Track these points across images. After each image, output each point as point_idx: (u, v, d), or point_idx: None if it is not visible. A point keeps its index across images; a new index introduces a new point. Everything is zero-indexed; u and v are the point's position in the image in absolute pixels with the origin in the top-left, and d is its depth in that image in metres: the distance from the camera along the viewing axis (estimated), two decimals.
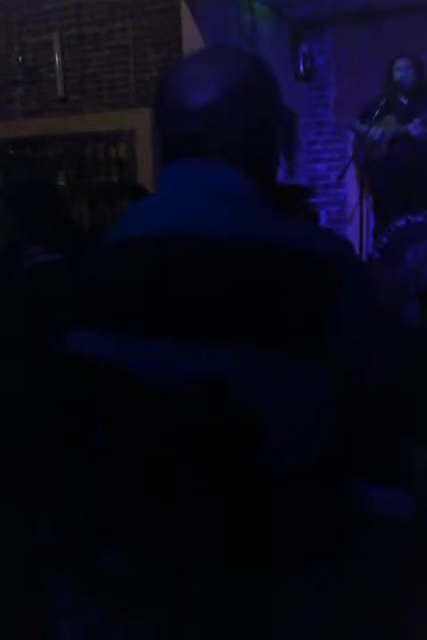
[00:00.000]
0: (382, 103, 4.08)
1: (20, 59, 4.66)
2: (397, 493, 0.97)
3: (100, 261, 0.97)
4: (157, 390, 0.84)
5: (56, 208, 1.91)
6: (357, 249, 3.85)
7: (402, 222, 3.38)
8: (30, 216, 1.83)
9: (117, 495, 0.88)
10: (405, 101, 4.27)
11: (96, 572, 0.90)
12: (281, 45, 4.70)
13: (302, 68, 4.95)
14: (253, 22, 4.21)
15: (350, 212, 4.96)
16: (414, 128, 4.08)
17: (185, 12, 4.00)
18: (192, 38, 3.94)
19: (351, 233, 4.56)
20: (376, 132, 4.21)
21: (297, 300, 0.84)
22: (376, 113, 4.06)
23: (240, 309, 0.84)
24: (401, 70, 4.20)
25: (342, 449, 0.89)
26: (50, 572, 0.96)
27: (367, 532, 0.94)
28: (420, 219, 3.43)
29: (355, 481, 0.93)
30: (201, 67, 0.95)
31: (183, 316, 0.86)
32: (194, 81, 0.93)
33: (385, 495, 0.96)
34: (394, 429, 0.96)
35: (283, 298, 0.84)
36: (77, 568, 0.92)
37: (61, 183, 4.65)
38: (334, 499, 0.90)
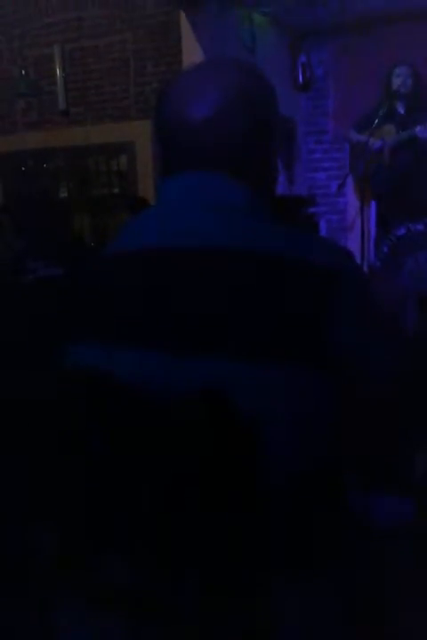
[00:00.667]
0: (381, 112, 4.09)
1: (22, 72, 4.69)
2: (397, 500, 0.97)
3: (100, 274, 0.98)
4: (156, 402, 0.84)
5: (59, 222, 1.92)
6: (357, 258, 3.86)
7: (402, 231, 3.40)
8: (34, 229, 1.84)
9: (118, 505, 0.89)
10: (402, 110, 4.28)
11: (97, 582, 0.90)
12: (280, 55, 4.73)
13: (301, 77, 4.98)
14: (253, 33, 4.24)
15: (350, 220, 4.96)
16: (421, 131, 4.08)
17: (185, 24, 4.03)
18: (192, 50, 3.97)
19: (352, 242, 4.56)
20: (377, 141, 4.22)
21: (296, 310, 0.84)
22: (376, 121, 4.07)
23: (239, 320, 0.84)
24: (400, 78, 4.22)
25: (342, 457, 0.89)
26: (50, 582, 0.96)
27: (368, 538, 0.94)
28: (420, 227, 3.44)
29: (355, 488, 0.93)
30: (200, 79, 0.96)
31: (183, 327, 0.86)
32: (194, 94, 0.93)
33: (385, 501, 0.96)
34: (394, 436, 0.96)
35: (282, 308, 0.84)
36: (78, 578, 0.92)
37: (63, 195, 4.67)
38: (335, 506, 0.90)
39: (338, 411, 0.87)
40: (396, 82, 4.22)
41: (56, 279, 1.61)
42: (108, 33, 4.45)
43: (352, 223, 4.81)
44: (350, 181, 4.61)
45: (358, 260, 3.81)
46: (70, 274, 1.14)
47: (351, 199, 4.88)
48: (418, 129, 4.09)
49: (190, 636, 0.86)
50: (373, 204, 4.46)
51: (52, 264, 1.67)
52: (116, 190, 4.65)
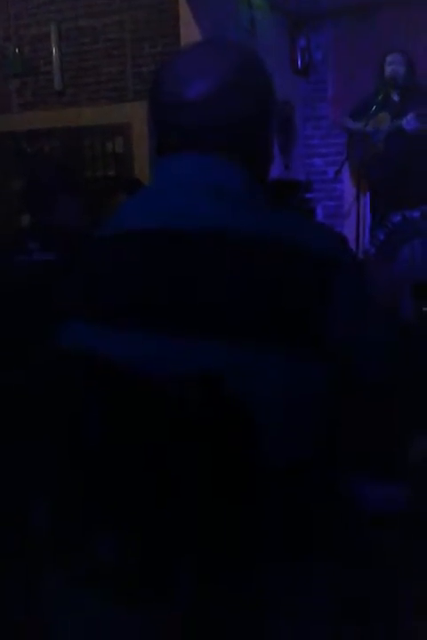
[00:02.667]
0: (378, 99, 4.07)
1: (16, 51, 4.64)
2: (391, 488, 0.98)
3: (96, 254, 0.97)
4: (154, 384, 0.84)
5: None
6: (353, 244, 3.85)
7: (398, 218, 3.39)
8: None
9: (114, 487, 0.89)
10: (396, 97, 4.26)
11: (92, 564, 0.90)
12: (279, 39, 4.69)
13: (299, 62, 4.94)
14: (252, 16, 4.20)
15: (346, 207, 4.96)
16: (407, 123, 4.07)
17: (183, 5, 3.99)
18: (190, 32, 3.93)
19: (348, 228, 4.56)
20: (373, 128, 4.20)
21: (293, 294, 0.84)
22: (373, 108, 4.05)
23: (236, 304, 0.84)
24: (391, 66, 4.19)
25: (337, 444, 0.90)
26: (46, 565, 0.96)
27: (363, 526, 0.94)
28: (416, 214, 3.43)
29: (350, 476, 0.93)
30: (197, 60, 0.95)
31: (180, 310, 0.86)
32: (190, 74, 0.92)
33: (380, 490, 0.96)
34: (389, 424, 0.96)
35: (279, 292, 0.84)
36: (74, 560, 0.92)
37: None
38: (330, 493, 0.91)
39: (334, 397, 0.87)
40: (388, 69, 4.19)
41: (52, 260, 1.60)
42: (106, 13, 4.40)
43: (349, 210, 4.80)
44: (346, 168, 4.60)
45: (354, 247, 3.81)
46: (67, 256, 1.13)
47: (348, 186, 4.87)
48: (404, 121, 4.08)
49: (185, 620, 0.87)
50: (369, 191, 4.45)
51: (48, 248, 1.66)
52: (111, 172, 4.63)
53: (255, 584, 0.86)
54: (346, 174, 4.76)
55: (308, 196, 4.15)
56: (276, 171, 4.43)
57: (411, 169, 4.07)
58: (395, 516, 0.97)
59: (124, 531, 0.89)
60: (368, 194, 4.46)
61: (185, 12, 3.99)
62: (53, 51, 4.55)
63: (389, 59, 4.20)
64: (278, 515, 0.85)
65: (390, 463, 0.98)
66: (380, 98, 4.06)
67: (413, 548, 1.01)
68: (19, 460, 1.06)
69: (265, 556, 0.86)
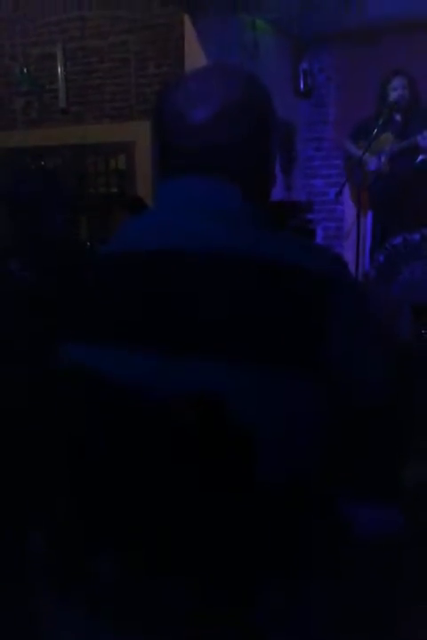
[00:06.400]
0: (380, 121, 4.10)
1: (23, 70, 4.69)
2: (387, 511, 0.98)
3: (97, 274, 0.98)
4: (152, 404, 0.84)
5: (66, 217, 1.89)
6: (353, 266, 3.86)
7: (398, 240, 3.41)
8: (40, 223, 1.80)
9: (114, 507, 0.89)
10: (399, 118, 4.30)
11: (92, 587, 0.90)
12: (282, 62, 4.74)
13: (302, 84, 4.99)
14: (255, 38, 4.25)
15: (347, 228, 4.98)
16: (423, 139, 4.10)
17: (188, 27, 4.04)
18: (194, 53, 3.98)
19: (348, 250, 4.58)
20: (375, 150, 4.24)
21: (292, 316, 0.85)
22: (375, 131, 4.09)
23: (235, 325, 0.85)
24: (397, 91, 4.23)
25: (334, 465, 0.90)
26: (44, 584, 0.96)
27: (356, 547, 0.94)
28: (416, 237, 3.45)
29: (346, 498, 0.93)
30: (202, 84, 0.96)
31: (179, 331, 0.87)
32: (193, 98, 0.94)
33: (376, 513, 0.96)
34: (386, 446, 0.96)
35: (278, 314, 0.85)
36: (73, 583, 0.92)
37: None
38: (324, 513, 0.91)
39: (331, 418, 0.88)
40: (393, 94, 4.23)
41: (30, 283, 1.58)
42: (111, 33, 4.46)
43: (349, 231, 4.82)
44: (347, 189, 4.63)
45: (354, 269, 3.82)
46: (65, 274, 1.13)
47: (349, 207, 4.89)
48: (419, 137, 4.11)
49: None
50: (369, 212, 4.47)
51: (28, 266, 1.62)
52: (114, 189, 4.66)
53: (252, 602, 0.86)
54: (347, 195, 4.78)
55: (308, 217, 4.17)
56: (277, 191, 4.46)
57: (416, 190, 4.10)
58: (390, 538, 0.97)
59: (123, 550, 0.89)
60: (369, 215, 4.48)
61: (190, 34, 4.04)
62: (59, 70, 4.61)
63: (393, 83, 4.25)
64: (275, 534, 0.85)
65: (386, 485, 0.98)
66: (381, 122, 4.09)
67: (408, 571, 1.01)
68: (17, 480, 1.06)
69: (262, 574, 0.86)
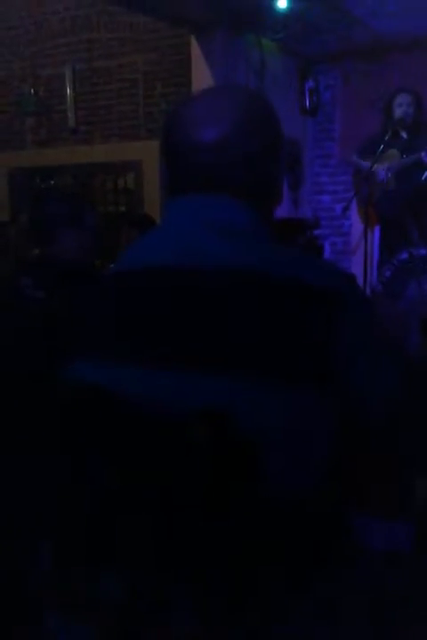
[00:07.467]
0: (386, 137, 4.13)
1: (32, 91, 4.76)
2: (397, 525, 0.97)
3: (106, 292, 0.99)
4: (159, 421, 0.85)
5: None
6: (360, 281, 3.86)
7: (405, 255, 3.41)
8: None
9: (118, 524, 0.89)
10: (405, 135, 4.33)
11: (96, 602, 0.90)
12: (288, 80, 4.78)
13: (308, 102, 5.02)
14: (262, 58, 4.29)
15: (354, 244, 4.98)
16: (426, 156, 4.12)
17: (195, 47, 4.08)
18: (202, 74, 4.01)
19: (356, 265, 4.58)
20: (382, 166, 4.26)
21: (299, 332, 0.85)
22: (381, 147, 4.11)
23: (241, 341, 0.86)
24: (402, 108, 4.27)
25: (342, 479, 0.90)
26: (48, 600, 0.96)
27: (365, 560, 0.94)
28: (423, 252, 3.46)
29: (355, 512, 0.93)
30: (210, 104, 0.98)
31: (185, 348, 0.88)
32: (203, 118, 0.95)
33: (385, 527, 0.96)
34: (395, 460, 0.96)
35: (285, 330, 0.85)
36: (77, 598, 0.92)
37: None
38: (334, 529, 0.91)
39: (338, 433, 0.88)
40: (398, 111, 4.26)
41: (42, 301, 1.58)
42: (119, 55, 4.51)
43: (356, 246, 4.82)
44: (354, 205, 4.64)
45: (361, 284, 3.82)
46: (73, 293, 1.14)
47: (356, 222, 4.90)
48: (424, 154, 4.13)
49: None
50: (376, 227, 4.48)
51: (40, 285, 1.63)
52: (123, 207, 4.69)
53: (257, 615, 0.86)
54: (354, 211, 4.79)
55: (315, 232, 4.18)
56: (285, 208, 4.47)
57: (422, 205, 4.11)
58: (399, 554, 0.96)
59: (128, 567, 0.89)
60: (376, 230, 4.49)
61: (197, 55, 4.08)
62: (68, 90, 4.67)
63: (398, 100, 4.28)
64: (282, 547, 0.86)
65: (395, 500, 0.98)
66: (387, 138, 4.12)
67: (416, 587, 1.01)
68: (23, 496, 1.07)
69: (268, 588, 0.86)
